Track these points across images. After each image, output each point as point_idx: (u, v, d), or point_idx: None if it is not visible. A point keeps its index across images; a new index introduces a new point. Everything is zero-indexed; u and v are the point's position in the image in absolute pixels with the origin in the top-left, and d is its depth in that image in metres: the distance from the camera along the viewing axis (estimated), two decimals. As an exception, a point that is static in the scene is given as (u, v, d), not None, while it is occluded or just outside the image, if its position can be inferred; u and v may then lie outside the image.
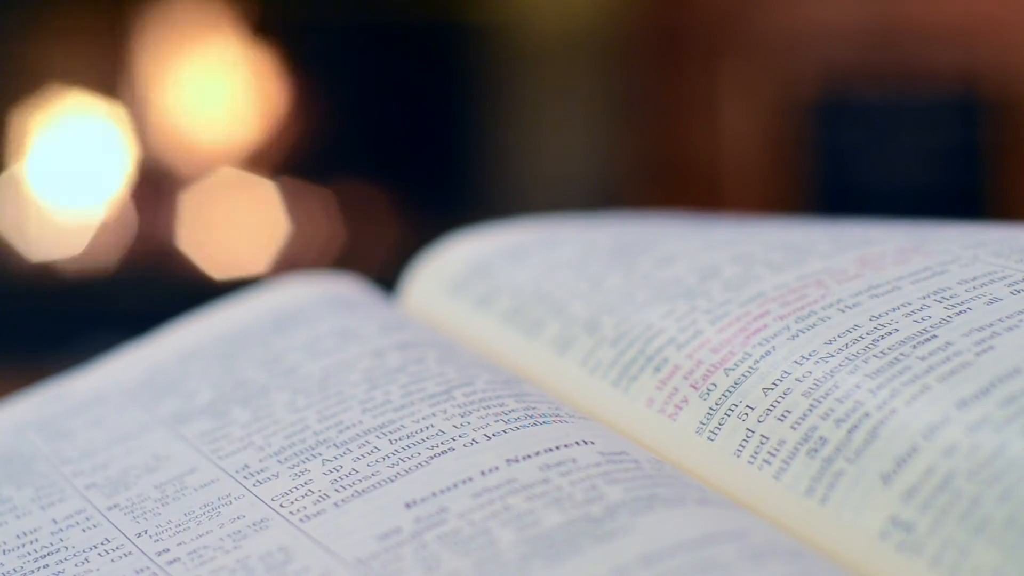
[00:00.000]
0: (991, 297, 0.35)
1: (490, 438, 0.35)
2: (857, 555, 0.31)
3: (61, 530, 0.36)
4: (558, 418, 0.36)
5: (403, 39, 1.69)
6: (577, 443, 0.34)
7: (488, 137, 1.72)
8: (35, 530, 0.36)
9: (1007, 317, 0.34)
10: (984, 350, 0.33)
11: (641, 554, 0.29)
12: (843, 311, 0.36)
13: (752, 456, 0.34)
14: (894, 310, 0.36)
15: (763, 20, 1.66)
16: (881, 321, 0.35)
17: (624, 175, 1.73)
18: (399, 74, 1.70)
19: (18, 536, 0.36)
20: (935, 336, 0.34)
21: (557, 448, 0.34)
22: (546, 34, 1.69)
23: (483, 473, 0.33)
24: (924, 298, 0.36)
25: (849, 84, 1.65)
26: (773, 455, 0.33)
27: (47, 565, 0.34)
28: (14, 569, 0.35)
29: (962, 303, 0.35)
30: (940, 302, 0.36)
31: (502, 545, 0.30)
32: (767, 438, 0.34)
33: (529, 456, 0.33)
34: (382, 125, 1.73)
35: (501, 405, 0.36)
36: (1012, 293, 0.35)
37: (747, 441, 0.34)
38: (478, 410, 0.36)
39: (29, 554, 0.35)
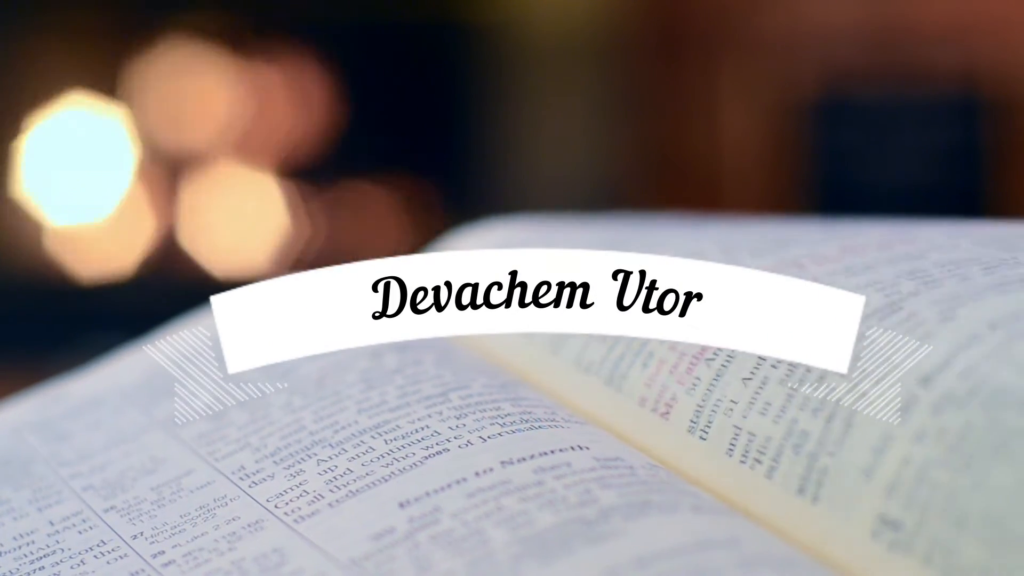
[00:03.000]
0: (963, 276, 0.35)
1: (485, 440, 0.35)
2: (854, 556, 0.30)
3: (58, 532, 0.36)
4: (554, 422, 0.36)
5: (404, 38, 1.69)
6: (572, 447, 0.34)
7: (488, 136, 1.72)
8: (32, 532, 0.36)
9: (975, 292, 0.34)
10: (946, 319, 0.33)
11: (634, 556, 0.29)
12: None
13: (743, 455, 0.34)
14: (867, 286, 0.36)
15: (763, 20, 1.66)
16: None
17: (624, 174, 1.73)
18: (400, 73, 1.70)
19: (15, 538, 0.36)
20: (901, 308, 0.34)
21: (552, 452, 0.34)
22: (546, 33, 1.69)
23: (477, 474, 0.33)
24: (897, 276, 0.36)
25: (849, 84, 1.65)
26: (762, 453, 0.33)
27: (43, 567, 0.34)
28: (11, 571, 0.35)
29: (934, 280, 0.35)
30: (912, 279, 0.35)
31: (495, 545, 0.30)
32: (754, 435, 0.34)
33: (524, 459, 0.33)
34: (383, 124, 1.73)
35: (497, 408, 0.36)
36: (984, 272, 0.35)
37: (736, 439, 0.34)
38: (474, 412, 0.36)
39: (26, 556, 0.35)
